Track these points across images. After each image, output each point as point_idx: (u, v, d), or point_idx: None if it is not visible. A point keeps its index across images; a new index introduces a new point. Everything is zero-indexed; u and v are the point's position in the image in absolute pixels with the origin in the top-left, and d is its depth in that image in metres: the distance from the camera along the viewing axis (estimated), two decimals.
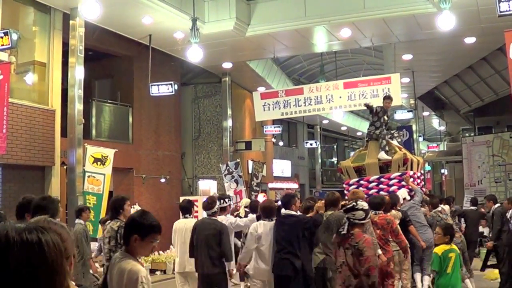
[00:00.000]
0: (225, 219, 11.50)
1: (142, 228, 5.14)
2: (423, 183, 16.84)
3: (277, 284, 9.85)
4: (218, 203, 11.42)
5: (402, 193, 13.56)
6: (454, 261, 8.55)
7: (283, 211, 10.42)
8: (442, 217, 14.09)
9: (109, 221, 9.61)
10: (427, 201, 14.78)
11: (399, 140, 16.27)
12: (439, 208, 14.53)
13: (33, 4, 16.02)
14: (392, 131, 16.31)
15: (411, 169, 15.29)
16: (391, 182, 14.86)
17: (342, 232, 7.90)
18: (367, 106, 15.92)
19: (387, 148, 15.31)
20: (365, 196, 12.17)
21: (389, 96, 16.31)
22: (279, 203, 11.72)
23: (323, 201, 10.93)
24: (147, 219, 5.20)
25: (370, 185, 15.16)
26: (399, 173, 14.89)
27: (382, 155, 15.23)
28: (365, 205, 8.09)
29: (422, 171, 17.22)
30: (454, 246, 8.88)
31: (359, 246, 7.62)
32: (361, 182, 15.36)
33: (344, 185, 16.11)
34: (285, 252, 9.67)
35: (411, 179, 14.66)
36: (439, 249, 8.62)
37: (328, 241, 9.83)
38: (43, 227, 2.05)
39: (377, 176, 15.20)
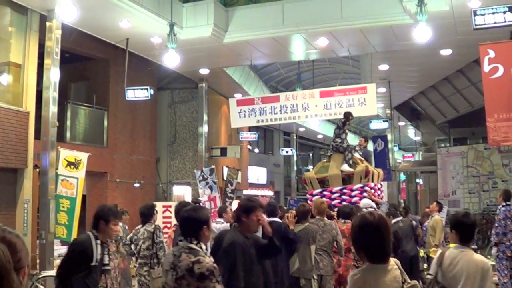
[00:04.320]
0: None
1: None
2: (382, 194, 17.13)
3: None
4: None
5: (365, 203, 13.69)
6: None
7: (268, 219, 10.64)
8: None
9: (141, 226, 11.18)
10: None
11: (360, 153, 16.60)
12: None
13: (9, 4, 15.87)
14: (355, 145, 16.72)
15: (372, 181, 15.59)
16: (353, 193, 15.27)
17: None
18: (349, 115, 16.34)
19: (351, 162, 15.63)
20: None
21: (350, 113, 16.72)
22: None
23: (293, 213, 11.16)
24: None
25: (333, 196, 15.64)
26: (361, 185, 15.23)
27: (345, 167, 15.68)
28: None
29: (382, 183, 17.45)
30: None
31: None
32: (324, 192, 15.73)
33: (307, 195, 16.42)
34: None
35: (372, 191, 15.00)
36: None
37: (305, 253, 10.10)
38: None
39: (339, 187, 15.54)
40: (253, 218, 6.69)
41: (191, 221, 5.36)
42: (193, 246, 5.20)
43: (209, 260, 5.11)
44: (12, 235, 2.59)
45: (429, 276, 5.97)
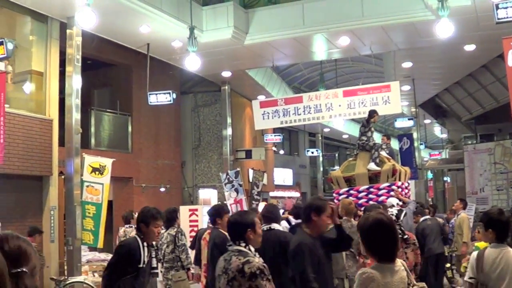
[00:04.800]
0: None
1: None
2: (410, 193, 16.94)
3: None
4: None
5: (390, 202, 13.56)
6: None
7: (295, 221, 10.66)
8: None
9: (164, 230, 11.37)
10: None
11: (387, 151, 16.42)
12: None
13: (30, 13, 15.97)
14: (381, 143, 16.53)
15: (399, 180, 15.42)
16: (380, 192, 15.08)
17: (405, 237, 9.05)
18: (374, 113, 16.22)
19: (377, 160, 15.46)
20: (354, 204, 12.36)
21: (375, 111, 16.53)
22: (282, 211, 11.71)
23: None
24: None
25: (360, 195, 15.45)
26: (387, 184, 15.06)
27: (372, 166, 15.48)
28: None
29: (409, 182, 17.25)
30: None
31: (415, 242, 9.31)
32: (351, 191, 15.56)
33: (334, 194, 16.28)
34: None
35: (399, 189, 14.82)
36: None
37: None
38: None
39: (366, 186, 15.39)
40: (324, 218, 6.52)
41: (236, 226, 5.70)
42: (242, 248, 5.48)
43: (258, 260, 5.38)
44: (25, 242, 2.60)
45: (470, 281, 5.80)
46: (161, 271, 11.65)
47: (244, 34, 19.05)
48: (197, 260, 11.40)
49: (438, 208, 22.78)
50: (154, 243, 7.33)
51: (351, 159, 17.15)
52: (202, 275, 9.80)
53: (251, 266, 5.23)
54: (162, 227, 11.08)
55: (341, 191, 15.92)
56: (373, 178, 15.64)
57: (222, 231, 9.26)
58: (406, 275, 4.47)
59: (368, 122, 16.16)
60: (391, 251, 4.49)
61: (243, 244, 5.52)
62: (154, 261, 7.19)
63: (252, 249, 5.56)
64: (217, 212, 9.67)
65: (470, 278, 5.77)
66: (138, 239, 6.97)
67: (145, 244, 6.96)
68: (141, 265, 6.84)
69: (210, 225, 11.24)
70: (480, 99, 30.18)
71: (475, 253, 5.92)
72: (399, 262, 4.53)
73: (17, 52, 15.73)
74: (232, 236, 5.69)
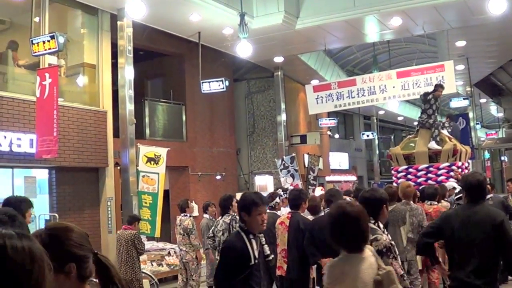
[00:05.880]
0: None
1: None
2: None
3: None
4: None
5: (450, 184, 13.31)
6: None
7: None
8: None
9: (220, 217, 11.52)
10: None
11: (449, 130, 16.13)
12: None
13: (80, 6, 16.10)
14: (443, 121, 16.21)
15: (459, 160, 15.14)
16: (439, 172, 14.81)
17: None
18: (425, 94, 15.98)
19: (438, 138, 15.19)
20: (413, 184, 12.25)
21: (441, 85, 16.18)
22: None
23: None
24: None
25: (419, 174, 15.26)
26: (448, 164, 14.80)
27: (433, 145, 15.20)
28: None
29: (469, 162, 16.93)
30: None
31: None
32: (410, 170, 15.35)
33: (392, 171, 16.11)
34: None
35: (459, 170, 14.52)
36: None
37: (396, 235, 9.75)
38: (29, 234, 2.06)
39: (426, 165, 15.16)
40: None
41: (373, 202, 5.87)
42: (371, 225, 5.56)
43: (386, 238, 5.61)
44: None
45: None
46: (217, 259, 11.67)
47: (295, 19, 18.91)
48: None
49: (496, 188, 22.39)
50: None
51: (411, 136, 16.93)
52: (282, 260, 9.66)
53: (378, 244, 5.42)
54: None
55: (400, 168, 15.74)
56: (433, 157, 15.41)
57: (304, 215, 9.43)
58: (375, 261, 4.54)
59: (426, 95, 15.84)
60: (360, 241, 4.56)
61: (373, 221, 5.68)
62: (266, 248, 6.29)
63: (381, 225, 5.81)
64: (303, 195, 9.80)
65: None
66: (242, 233, 6.06)
67: (250, 236, 6.04)
68: (252, 263, 5.96)
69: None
70: None
71: None
72: (367, 249, 4.62)
73: (69, 45, 15.88)
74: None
